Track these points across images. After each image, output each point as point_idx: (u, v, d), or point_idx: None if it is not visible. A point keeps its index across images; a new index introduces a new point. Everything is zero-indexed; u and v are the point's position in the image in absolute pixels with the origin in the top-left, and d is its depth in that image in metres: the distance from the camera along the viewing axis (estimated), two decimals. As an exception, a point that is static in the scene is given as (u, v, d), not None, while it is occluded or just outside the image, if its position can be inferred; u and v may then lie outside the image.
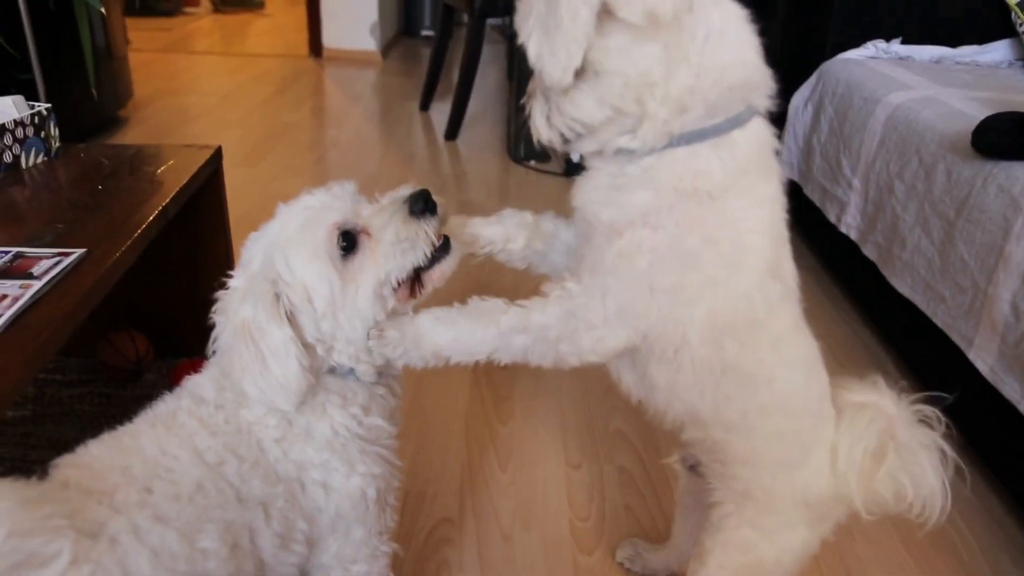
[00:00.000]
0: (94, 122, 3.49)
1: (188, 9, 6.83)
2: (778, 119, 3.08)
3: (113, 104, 3.67)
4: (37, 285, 1.07)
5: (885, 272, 2.00)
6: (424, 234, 0.92)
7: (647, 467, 1.66)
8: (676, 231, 0.84)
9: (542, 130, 0.90)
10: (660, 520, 1.51)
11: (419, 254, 0.92)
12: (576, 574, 1.39)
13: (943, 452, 0.96)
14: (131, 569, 0.73)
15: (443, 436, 1.72)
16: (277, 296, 0.89)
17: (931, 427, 0.97)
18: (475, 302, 0.93)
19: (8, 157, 1.49)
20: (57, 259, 1.15)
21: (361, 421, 0.96)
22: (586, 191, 0.92)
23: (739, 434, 0.97)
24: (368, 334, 0.93)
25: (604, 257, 0.87)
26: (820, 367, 0.99)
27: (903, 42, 2.62)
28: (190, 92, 4.48)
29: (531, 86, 0.91)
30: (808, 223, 2.57)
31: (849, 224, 2.24)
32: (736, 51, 0.83)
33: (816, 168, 2.50)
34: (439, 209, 0.94)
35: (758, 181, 0.87)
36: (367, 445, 0.96)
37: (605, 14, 0.77)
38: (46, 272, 1.11)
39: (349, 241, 0.90)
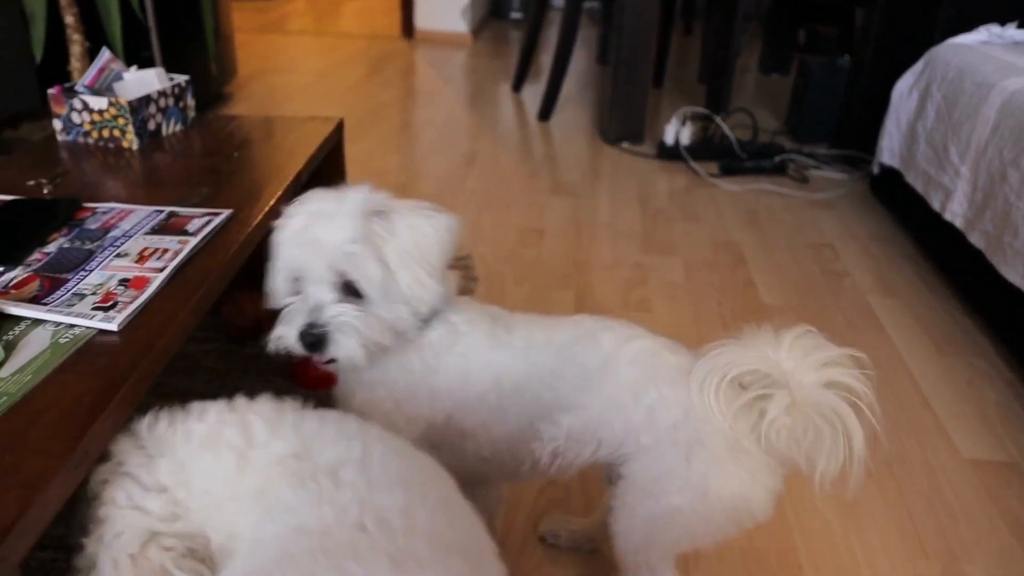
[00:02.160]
0: (206, 97, 3.64)
1: (284, -9, 7.02)
2: (880, 105, 3.00)
3: (220, 81, 3.82)
4: (193, 241, 1.17)
5: (994, 261, 1.97)
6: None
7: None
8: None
9: None
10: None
11: None
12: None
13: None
14: None
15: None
16: None
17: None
18: None
19: (152, 125, 1.59)
20: (207, 218, 1.24)
21: None
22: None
23: (576, 409, 1.05)
24: None
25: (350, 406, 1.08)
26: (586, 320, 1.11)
27: (1019, 26, 2.55)
28: (287, 71, 4.62)
29: None
30: (906, 211, 2.54)
31: (955, 212, 2.20)
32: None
33: (920, 155, 2.46)
34: None
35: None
36: None
37: None
38: (200, 229, 1.20)
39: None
